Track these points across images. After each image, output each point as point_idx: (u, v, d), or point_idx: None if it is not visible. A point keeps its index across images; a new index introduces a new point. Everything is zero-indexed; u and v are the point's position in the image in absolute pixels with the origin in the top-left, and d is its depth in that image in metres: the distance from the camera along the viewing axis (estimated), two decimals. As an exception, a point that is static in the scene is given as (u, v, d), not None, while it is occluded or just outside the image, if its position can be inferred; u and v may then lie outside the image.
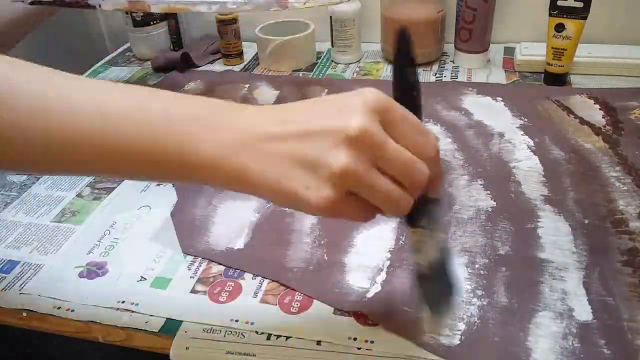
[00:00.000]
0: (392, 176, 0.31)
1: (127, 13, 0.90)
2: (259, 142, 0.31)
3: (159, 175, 0.34)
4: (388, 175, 0.31)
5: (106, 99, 0.32)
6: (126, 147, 0.31)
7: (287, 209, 0.54)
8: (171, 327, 0.43)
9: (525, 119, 0.67)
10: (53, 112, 0.31)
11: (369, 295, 0.44)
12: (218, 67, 0.91)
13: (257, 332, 0.42)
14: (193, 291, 0.46)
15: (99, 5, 0.64)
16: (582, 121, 0.66)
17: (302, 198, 0.30)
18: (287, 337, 0.42)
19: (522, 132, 0.65)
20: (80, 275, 0.49)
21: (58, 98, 0.32)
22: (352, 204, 0.31)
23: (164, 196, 0.58)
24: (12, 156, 0.33)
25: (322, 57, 0.91)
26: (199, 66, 0.90)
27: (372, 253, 0.49)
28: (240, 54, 0.90)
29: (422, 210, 0.34)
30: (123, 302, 0.46)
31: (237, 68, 0.90)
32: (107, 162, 0.32)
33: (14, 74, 0.32)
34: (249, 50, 0.94)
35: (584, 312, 0.41)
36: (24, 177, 0.63)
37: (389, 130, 0.31)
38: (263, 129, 0.31)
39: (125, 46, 1.01)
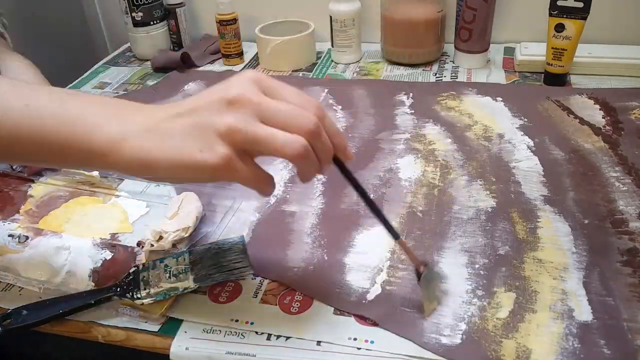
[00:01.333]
0: (277, 126, 0.34)
1: (127, 13, 0.90)
2: (156, 125, 0.35)
3: (72, 161, 0.38)
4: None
5: (35, 103, 0.36)
6: (47, 140, 0.36)
7: (287, 209, 0.55)
8: (171, 327, 0.43)
9: (525, 119, 0.67)
10: None
11: (369, 295, 0.44)
12: (218, 67, 0.91)
13: (257, 332, 0.42)
14: (193, 291, 0.46)
15: None
16: (582, 121, 0.66)
17: (199, 161, 0.34)
18: (287, 337, 0.42)
19: (522, 133, 0.65)
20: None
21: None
22: (247, 162, 0.35)
23: (163, 196, 0.58)
24: None
25: (322, 57, 0.91)
26: (199, 66, 0.90)
27: (372, 253, 0.49)
28: (240, 54, 0.90)
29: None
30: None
31: (237, 68, 0.90)
32: (32, 153, 0.37)
33: None
34: (249, 50, 0.94)
35: (584, 312, 0.41)
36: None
37: (269, 94, 0.35)
38: (160, 114, 0.36)
39: (125, 46, 1.01)
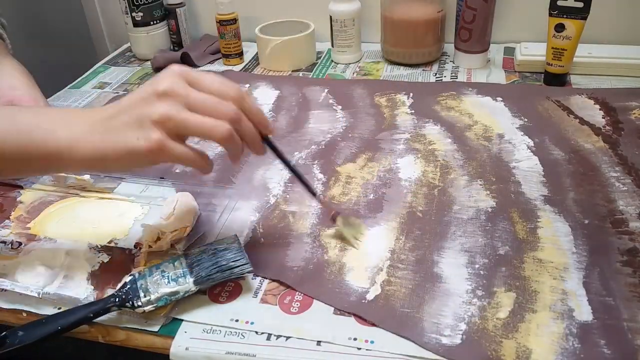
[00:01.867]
0: (203, 114, 0.39)
1: (127, 13, 0.90)
2: (100, 123, 0.40)
3: (34, 168, 0.43)
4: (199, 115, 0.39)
5: None
6: (7, 153, 0.41)
7: (287, 209, 0.55)
8: (171, 327, 0.43)
9: (525, 119, 0.67)
10: None
11: (369, 295, 0.44)
12: (218, 67, 0.91)
13: (257, 332, 0.42)
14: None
15: None
16: (582, 121, 0.66)
17: (136, 147, 0.39)
18: (287, 337, 0.42)
19: (522, 133, 0.65)
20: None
21: None
22: (180, 143, 0.40)
23: (163, 196, 0.58)
24: None
25: (322, 57, 0.91)
26: (199, 66, 0.90)
27: (372, 253, 0.49)
28: (240, 54, 0.90)
29: None
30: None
31: (237, 68, 0.90)
32: None
33: None
34: (249, 50, 0.94)
35: (584, 312, 0.41)
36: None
37: (194, 86, 0.40)
38: (102, 114, 0.41)
39: (125, 46, 1.01)
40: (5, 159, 0.41)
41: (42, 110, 0.44)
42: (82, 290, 0.46)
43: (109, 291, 0.46)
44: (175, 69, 0.40)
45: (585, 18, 0.69)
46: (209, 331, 0.42)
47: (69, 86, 0.87)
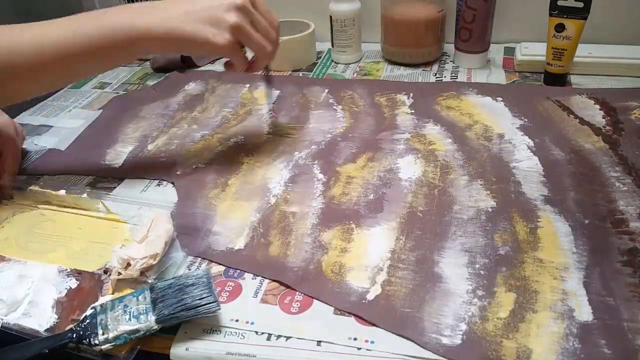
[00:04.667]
0: (259, 32, 0.55)
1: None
2: (186, 13, 0.53)
3: (119, 55, 0.54)
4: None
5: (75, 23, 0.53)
6: (107, 39, 0.52)
7: (287, 209, 0.55)
8: (171, 327, 0.43)
9: (525, 119, 0.67)
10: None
11: (369, 295, 0.44)
12: (218, 67, 0.91)
13: (257, 333, 0.42)
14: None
15: None
16: (582, 121, 0.66)
17: (211, 41, 0.52)
18: (288, 338, 0.42)
19: (522, 133, 0.65)
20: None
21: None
22: (240, 47, 0.55)
23: (164, 196, 0.58)
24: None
25: (322, 57, 0.91)
26: (199, 66, 0.90)
27: (372, 253, 0.49)
28: (240, 54, 0.90)
29: None
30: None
31: (237, 68, 0.90)
32: (99, 52, 0.53)
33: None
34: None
35: (584, 312, 0.41)
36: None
37: (254, 6, 0.55)
38: (187, 7, 0.53)
39: (125, 46, 1.01)
40: (100, 50, 0.52)
41: (123, 7, 0.55)
42: (45, 320, 0.44)
43: (73, 321, 0.44)
44: None
45: (585, 18, 0.69)
46: (208, 331, 0.42)
47: (69, 86, 0.87)
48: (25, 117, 0.78)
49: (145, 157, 0.66)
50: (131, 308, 0.42)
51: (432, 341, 0.40)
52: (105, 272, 0.49)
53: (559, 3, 0.70)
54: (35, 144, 0.71)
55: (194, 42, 0.52)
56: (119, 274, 0.46)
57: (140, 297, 0.43)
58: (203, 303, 0.42)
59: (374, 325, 0.42)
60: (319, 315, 0.43)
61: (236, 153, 0.65)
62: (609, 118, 0.66)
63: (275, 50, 0.58)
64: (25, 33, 0.51)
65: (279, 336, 0.42)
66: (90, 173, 0.63)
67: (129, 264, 0.46)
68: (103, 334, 0.41)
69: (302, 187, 0.58)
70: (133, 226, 0.54)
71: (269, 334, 0.42)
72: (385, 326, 0.42)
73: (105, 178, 0.63)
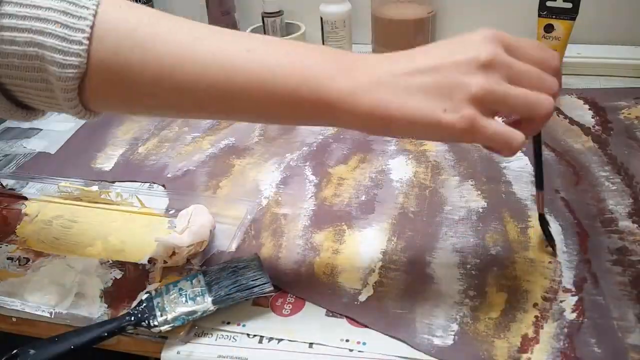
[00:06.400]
0: (525, 87, 0.34)
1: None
2: (394, 79, 0.34)
3: (297, 114, 0.36)
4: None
5: (255, 49, 0.35)
6: (278, 91, 0.34)
7: (279, 211, 0.54)
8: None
9: (516, 120, 0.68)
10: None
11: (361, 296, 0.44)
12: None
13: (248, 335, 0.42)
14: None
15: None
16: (572, 121, 0.66)
17: (442, 121, 0.33)
18: (279, 340, 0.41)
19: (513, 133, 0.65)
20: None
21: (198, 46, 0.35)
22: (492, 120, 0.34)
23: (157, 199, 0.58)
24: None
25: (313, 59, 0.91)
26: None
27: (364, 254, 0.49)
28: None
29: None
30: (114, 306, 0.45)
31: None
32: (257, 107, 0.36)
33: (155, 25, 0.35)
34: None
35: (574, 311, 0.42)
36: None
37: (512, 54, 0.34)
38: (396, 67, 0.34)
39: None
40: (272, 97, 0.34)
41: (308, 47, 0.36)
42: (95, 309, 0.45)
43: (124, 309, 0.44)
44: (490, 33, 0.34)
45: (574, 18, 0.70)
46: (200, 334, 0.42)
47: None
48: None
49: (136, 160, 0.65)
50: (186, 291, 0.43)
51: (424, 342, 0.40)
52: (150, 261, 0.49)
53: (548, 4, 0.70)
54: (24, 147, 0.70)
55: (409, 125, 0.34)
56: (165, 262, 0.47)
57: (194, 281, 0.44)
58: (257, 284, 0.43)
59: (366, 326, 0.42)
60: (311, 317, 0.43)
61: (227, 155, 0.65)
62: (598, 118, 0.67)
63: (555, 100, 0.35)
64: (199, 45, 0.35)
65: (270, 339, 0.42)
66: (81, 176, 0.63)
67: (174, 253, 0.47)
68: (161, 315, 0.41)
69: (293, 188, 0.58)
70: (170, 219, 0.55)
71: (260, 336, 0.42)
72: (377, 327, 0.42)
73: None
